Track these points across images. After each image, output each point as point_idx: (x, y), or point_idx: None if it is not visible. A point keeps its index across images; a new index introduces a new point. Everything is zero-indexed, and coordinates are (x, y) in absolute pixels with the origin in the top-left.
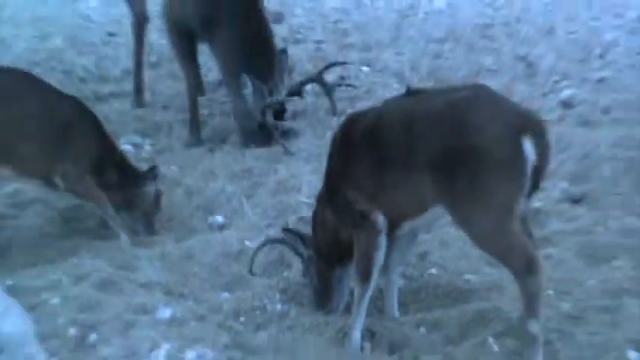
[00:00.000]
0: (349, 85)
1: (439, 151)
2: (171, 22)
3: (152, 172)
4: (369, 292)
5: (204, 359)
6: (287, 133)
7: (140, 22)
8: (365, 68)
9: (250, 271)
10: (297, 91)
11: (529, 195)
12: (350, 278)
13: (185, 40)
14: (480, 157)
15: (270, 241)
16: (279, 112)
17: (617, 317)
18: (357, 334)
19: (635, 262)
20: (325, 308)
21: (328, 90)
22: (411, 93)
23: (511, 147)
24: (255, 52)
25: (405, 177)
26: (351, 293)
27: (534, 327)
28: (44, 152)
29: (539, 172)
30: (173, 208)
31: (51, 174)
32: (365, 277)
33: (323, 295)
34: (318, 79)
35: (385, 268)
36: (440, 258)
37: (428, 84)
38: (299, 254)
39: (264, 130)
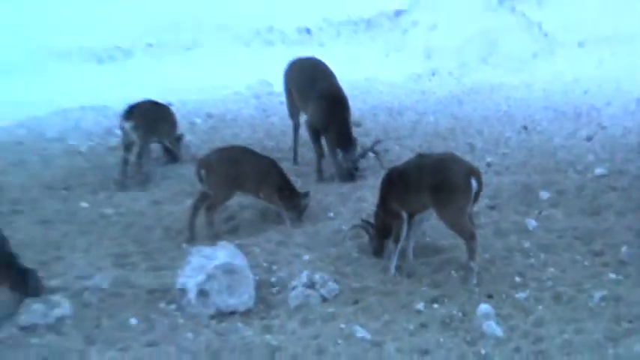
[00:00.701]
0: (386, 151)
1: (433, 182)
2: (312, 127)
3: (306, 194)
4: (399, 249)
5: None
6: (360, 175)
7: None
8: (396, 145)
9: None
10: (362, 156)
11: (473, 204)
12: (389, 243)
13: (316, 134)
14: (452, 186)
15: (355, 226)
16: (356, 166)
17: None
18: (392, 269)
19: (521, 235)
20: (378, 256)
21: (379, 155)
22: (420, 156)
23: (465, 182)
24: (345, 139)
25: (417, 194)
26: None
27: (473, 265)
28: (258, 183)
29: (477, 195)
30: (308, 210)
31: (258, 193)
32: (397, 240)
33: (378, 251)
34: (372, 149)
35: (407, 237)
36: (431, 233)
37: (427, 151)
38: (368, 232)
39: (350, 174)
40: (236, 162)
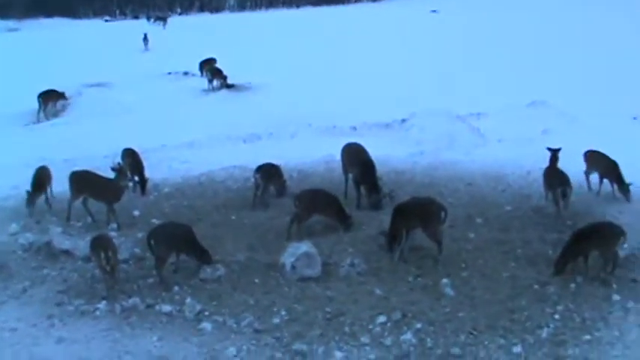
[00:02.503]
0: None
1: (422, 213)
2: (355, 180)
3: (350, 216)
4: (399, 248)
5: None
6: (381, 207)
7: None
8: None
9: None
10: (384, 196)
11: (442, 225)
12: (397, 245)
13: (357, 184)
14: (433, 215)
15: (380, 232)
16: (380, 201)
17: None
18: (395, 257)
19: (465, 241)
20: (389, 251)
21: (391, 195)
22: (413, 198)
23: (439, 213)
24: (374, 187)
25: (412, 219)
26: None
27: (439, 257)
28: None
29: (444, 220)
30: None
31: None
32: (399, 243)
33: (389, 248)
34: (389, 194)
35: (405, 242)
36: (418, 240)
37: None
38: (386, 237)
39: (377, 206)
40: (315, 197)
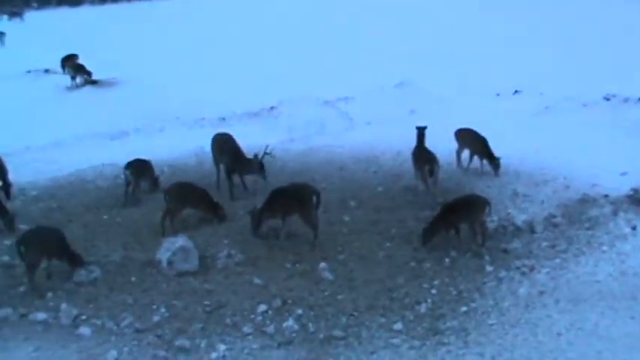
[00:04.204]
0: None
1: (297, 197)
2: (216, 162)
3: (222, 207)
4: (261, 229)
5: None
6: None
7: None
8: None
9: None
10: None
11: (316, 210)
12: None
13: (228, 173)
14: (305, 200)
15: (248, 212)
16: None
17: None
18: (255, 235)
19: (341, 225)
20: (256, 236)
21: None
22: (291, 184)
23: (312, 197)
24: (242, 168)
25: (288, 204)
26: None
27: (315, 241)
28: (199, 202)
29: (317, 205)
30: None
31: (199, 208)
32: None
33: (256, 233)
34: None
35: (282, 228)
36: (294, 226)
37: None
38: (252, 217)
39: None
40: (183, 190)
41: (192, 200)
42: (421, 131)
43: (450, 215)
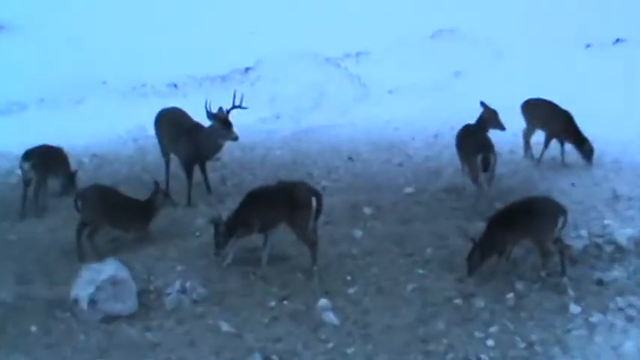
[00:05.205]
0: None
1: (287, 202)
2: (165, 152)
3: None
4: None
5: None
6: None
7: None
8: (249, 175)
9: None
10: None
11: (315, 219)
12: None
13: (168, 156)
14: (300, 204)
15: (210, 220)
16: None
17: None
18: (223, 258)
19: (350, 243)
20: (217, 251)
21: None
22: (279, 182)
23: (309, 199)
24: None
25: (271, 210)
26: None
27: (314, 268)
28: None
29: (318, 212)
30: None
31: None
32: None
33: (217, 248)
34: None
35: (263, 247)
36: (281, 246)
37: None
38: (217, 229)
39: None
40: (104, 195)
41: (113, 210)
42: (489, 115)
43: (501, 230)
